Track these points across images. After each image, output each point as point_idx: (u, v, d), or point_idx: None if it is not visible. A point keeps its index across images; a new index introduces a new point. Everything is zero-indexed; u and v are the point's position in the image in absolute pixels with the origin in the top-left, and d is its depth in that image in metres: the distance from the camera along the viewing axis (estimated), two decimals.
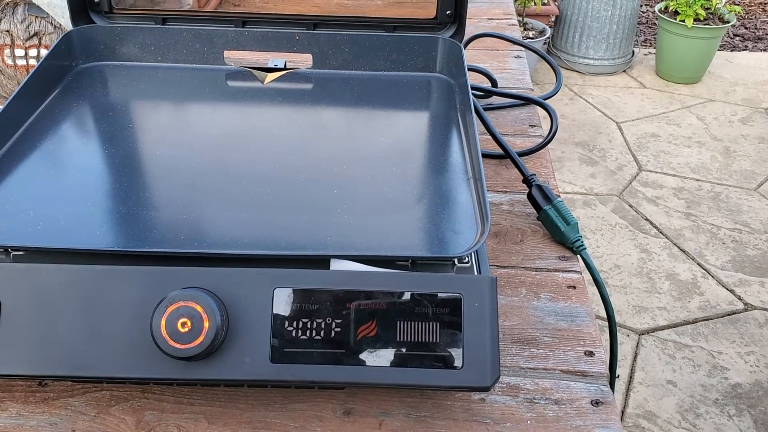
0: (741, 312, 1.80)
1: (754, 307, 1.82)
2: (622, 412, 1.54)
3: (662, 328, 1.75)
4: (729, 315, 1.80)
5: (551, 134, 0.77)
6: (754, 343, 1.71)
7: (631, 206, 2.21)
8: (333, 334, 0.44)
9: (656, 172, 2.38)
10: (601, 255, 1.99)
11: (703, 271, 1.94)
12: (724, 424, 1.51)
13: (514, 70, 0.99)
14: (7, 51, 0.83)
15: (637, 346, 1.70)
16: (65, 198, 0.55)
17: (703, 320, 1.78)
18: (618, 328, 1.74)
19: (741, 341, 1.72)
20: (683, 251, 2.01)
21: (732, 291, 1.87)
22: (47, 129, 0.63)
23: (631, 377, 1.62)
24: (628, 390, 1.59)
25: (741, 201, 2.23)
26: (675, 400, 1.56)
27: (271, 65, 0.75)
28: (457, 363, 0.44)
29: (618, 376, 1.62)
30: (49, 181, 0.56)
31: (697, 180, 2.34)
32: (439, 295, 0.44)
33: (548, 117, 0.80)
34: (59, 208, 0.53)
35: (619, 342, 1.71)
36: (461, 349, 0.44)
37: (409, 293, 0.44)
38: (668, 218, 2.15)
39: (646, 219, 2.15)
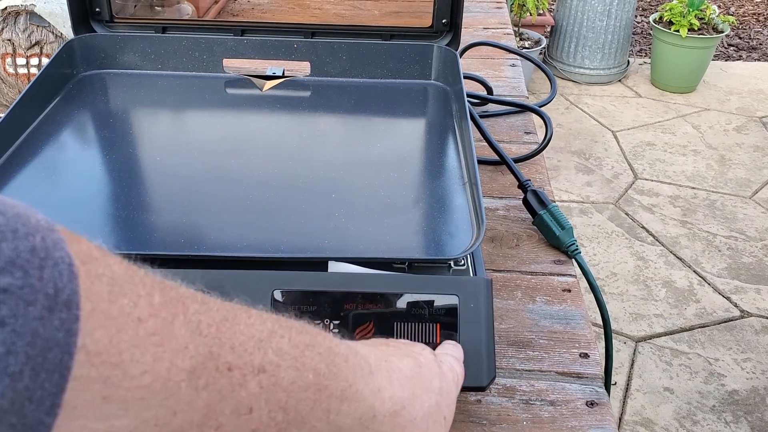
0: (737, 319, 1.81)
1: (750, 314, 1.83)
2: (620, 419, 1.54)
3: (659, 336, 1.76)
4: (725, 322, 1.80)
5: (546, 140, 0.78)
6: (751, 350, 1.71)
7: (627, 214, 2.22)
8: (331, 335, 0.44)
9: (652, 181, 2.39)
10: (597, 263, 2.00)
11: (699, 278, 1.95)
12: (721, 430, 1.51)
13: (510, 78, 1.00)
14: (8, 60, 0.84)
15: (634, 354, 1.71)
16: (67, 203, 0.55)
17: (699, 327, 1.78)
18: (615, 335, 1.74)
19: (737, 348, 1.72)
20: (679, 259, 2.02)
21: (728, 298, 1.88)
22: (49, 136, 0.63)
23: (628, 384, 1.62)
24: (625, 397, 1.59)
25: (736, 209, 2.24)
26: (672, 407, 1.56)
27: (269, 73, 0.76)
28: None
29: (615, 383, 1.62)
30: (51, 187, 0.57)
31: (693, 188, 2.35)
32: (436, 296, 0.45)
33: (543, 124, 0.81)
34: (60, 214, 0.54)
35: (616, 349, 1.72)
36: None
37: (405, 295, 0.45)
38: (664, 226, 2.16)
39: (642, 227, 2.16)
